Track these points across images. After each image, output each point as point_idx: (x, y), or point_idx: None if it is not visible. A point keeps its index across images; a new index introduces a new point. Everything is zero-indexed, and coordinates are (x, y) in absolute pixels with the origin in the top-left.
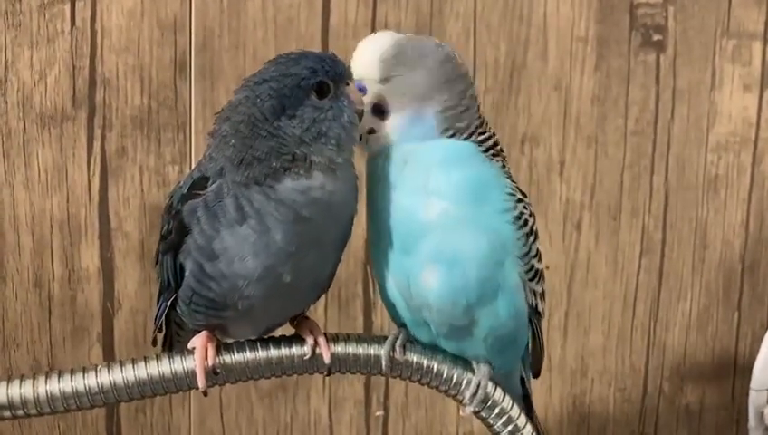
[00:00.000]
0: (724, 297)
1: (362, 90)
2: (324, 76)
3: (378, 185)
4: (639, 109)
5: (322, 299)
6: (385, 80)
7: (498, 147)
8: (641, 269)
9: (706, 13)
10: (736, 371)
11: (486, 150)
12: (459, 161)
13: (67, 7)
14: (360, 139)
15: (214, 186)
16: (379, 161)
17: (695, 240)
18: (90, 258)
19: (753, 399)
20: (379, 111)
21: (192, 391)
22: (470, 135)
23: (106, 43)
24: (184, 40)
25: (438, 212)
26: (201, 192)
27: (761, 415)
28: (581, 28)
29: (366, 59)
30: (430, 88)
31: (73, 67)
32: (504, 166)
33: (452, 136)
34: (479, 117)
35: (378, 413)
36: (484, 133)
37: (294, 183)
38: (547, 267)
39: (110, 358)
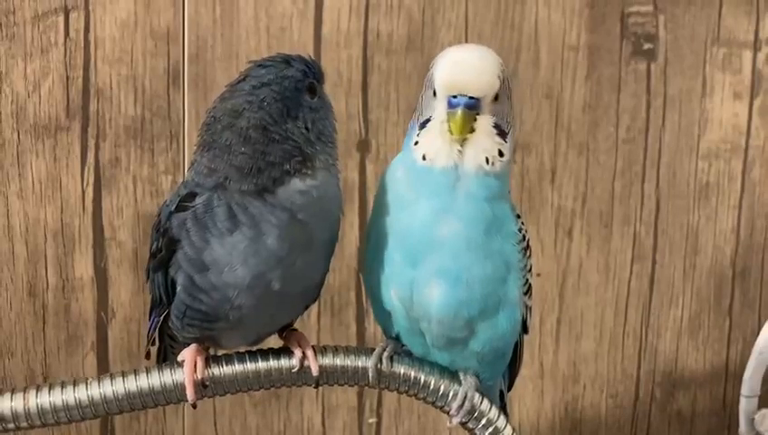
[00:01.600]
0: (716, 303)
1: (474, 107)
2: (312, 77)
3: (393, 194)
4: (631, 117)
5: (315, 307)
6: (495, 99)
7: None
8: (633, 276)
9: (697, 21)
10: (728, 377)
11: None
12: (495, 198)
13: (61, 19)
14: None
15: (203, 198)
16: (401, 172)
17: (686, 247)
18: (83, 267)
19: (744, 405)
20: (502, 133)
21: None
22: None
23: (99, 53)
24: (177, 50)
25: (453, 232)
26: (190, 204)
27: (752, 421)
28: (573, 37)
29: (486, 75)
30: (517, 112)
31: (67, 78)
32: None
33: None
34: None
35: (371, 420)
36: None
37: (300, 184)
38: (538, 274)
39: (104, 367)
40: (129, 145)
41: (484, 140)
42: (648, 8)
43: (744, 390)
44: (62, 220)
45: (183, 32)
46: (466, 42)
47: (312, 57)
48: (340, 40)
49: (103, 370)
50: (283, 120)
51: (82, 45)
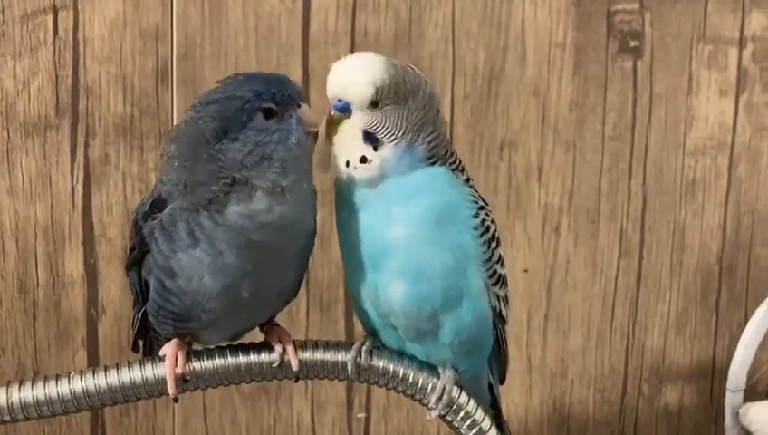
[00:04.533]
0: (702, 299)
1: (344, 110)
2: (270, 100)
3: (345, 207)
4: (617, 114)
5: (304, 303)
6: (375, 105)
7: (459, 162)
8: (620, 272)
9: (683, 19)
10: (714, 371)
11: (454, 170)
12: (427, 191)
13: (50, 18)
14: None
15: (168, 208)
16: (346, 185)
17: (673, 243)
18: (74, 264)
19: (730, 399)
20: (372, 139)
21: None
22: (444, 158)
23: (89, 52)
24: (166, 49)
25: (403, 234)
26: (158, 214)
27: (737, 415)
28: (559, 35)
29: (356, 80)
30: (424, 121)
31: (56, 76)
32: (467, 179)
33: (434, 163)
34: (445, 135)
35: (360, 415)
36: (449, 152)
37: (239, 208)
38: (525, 271)
39: (94, 362)
40: (118, 143)
41: (343, 143)
42: (633, 6)
43: (730, 384)
44: (52, 217)
45: (172, 30)
46: (453, 40)
47: (290, 77)
48: (327, 39)
49: (94, 366)
50: (216, 140)
51: (71, 44)
